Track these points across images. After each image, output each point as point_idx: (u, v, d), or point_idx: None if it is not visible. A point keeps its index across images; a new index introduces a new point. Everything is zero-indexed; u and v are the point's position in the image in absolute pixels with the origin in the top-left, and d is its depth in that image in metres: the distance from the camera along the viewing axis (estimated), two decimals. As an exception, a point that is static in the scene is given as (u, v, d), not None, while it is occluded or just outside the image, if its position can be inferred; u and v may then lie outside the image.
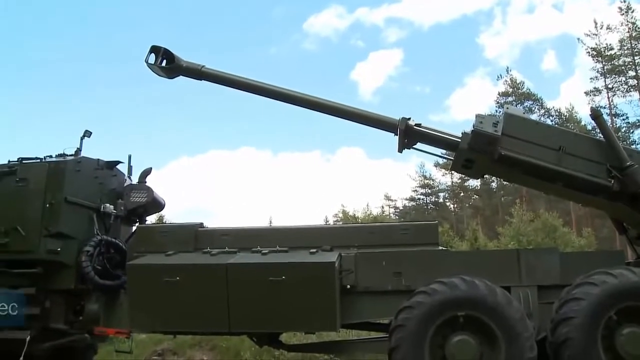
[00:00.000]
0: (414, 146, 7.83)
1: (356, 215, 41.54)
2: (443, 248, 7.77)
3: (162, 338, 11.55)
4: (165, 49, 8.19)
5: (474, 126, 7.06)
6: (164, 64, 8.27)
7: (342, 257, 6.81)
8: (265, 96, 8.31)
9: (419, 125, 7.63)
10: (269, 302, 6.45)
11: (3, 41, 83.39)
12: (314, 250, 6.88)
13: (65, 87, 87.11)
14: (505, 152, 7.07)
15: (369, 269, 6.80)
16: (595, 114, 7.72)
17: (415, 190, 61.04)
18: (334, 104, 8.08)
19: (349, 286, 6.70)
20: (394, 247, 7.08)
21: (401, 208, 62.19)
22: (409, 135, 7.61)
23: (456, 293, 6.05)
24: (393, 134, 7.77)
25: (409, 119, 7.59)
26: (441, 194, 61.65)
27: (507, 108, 7.90)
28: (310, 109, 8.18)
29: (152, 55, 8.24)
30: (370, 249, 7.03)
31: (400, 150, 7.89)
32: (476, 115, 7.12)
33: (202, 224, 7.81)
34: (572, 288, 6.18)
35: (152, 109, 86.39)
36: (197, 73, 8.35)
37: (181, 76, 8.52)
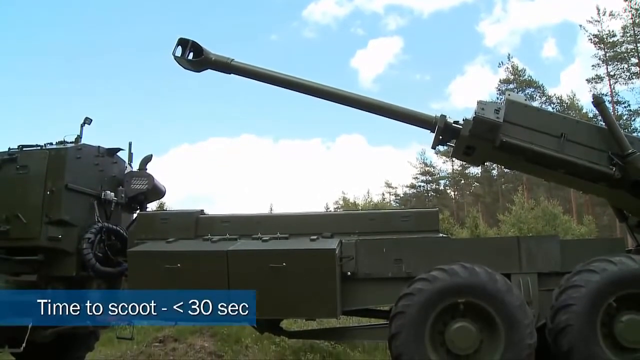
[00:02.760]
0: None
1: (357, 203, 41.56)
2: (444, 235, 7.75)
3: (163, 325, 11.59)
4: (193, 41, 7.96)
5: (475, 113, 7.04)
6: (191, 56, 8.05)
7: (343, 243, 6.80)
8: (297, 91, 8.15)
9: (457, 122, 7.57)
10: (270, 288, 6.44)
11: (7, 30, 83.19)
12: (315, 237, 6.88)
13: (67, 75, 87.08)
14: (507, 139, 7.04)
15: (370, 255, 6.79)
16: (597, 101, 7.70)
17: (416, 178, 60.95)
18: (370, 100, 7.98)
19: (349, 273, 6.70)
20: (395, 234, 7.07)
21: (402, 195, 62.18)
22: (446, 133, 7.57)
23: (456, 280, 6.05)
24: (429, 131, 7.72)
25: (447, 116, 7.56)
26: (442, 182, 61.66)
27: (509, 95, 7.88)
28: (344, 104, 8.08)
29: (179, 48, 8.02)
30: (371, 236, 7.01)
31: (434, 147, 7.96)
32: (478, 102, 7.10)
33: (202, 210, 7.80)
34: (572, 275, 6.18)
35: (153, 97, 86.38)
36: (226, 67, 8.13)
37: (209, 70, 8.28)
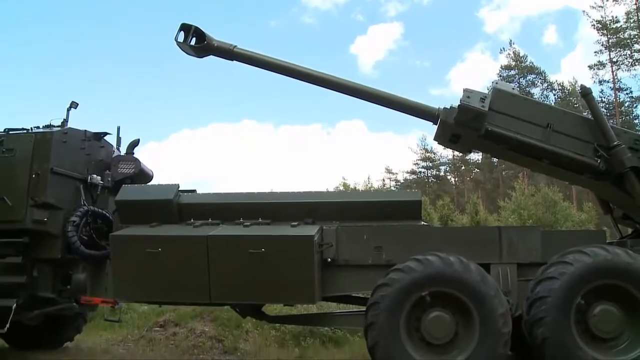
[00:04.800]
0: None
1: (357, 188, 41.47)
2: (425, 223, 7.75)
3: (164, 310, 11.67)
4: (196, 27, 7.90)
5: (460, 100, 7.01)
6: (193, 42, 7.97)
7: (324, 230, 6.82)
8: (300, 79, 8.08)
9: None
10: (249, 274, 6.49)
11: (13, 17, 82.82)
12: (296, 223, 6.88)
13: (67, 61, 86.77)
14: (492, 127, 7.01)
15: (350, 242, 6.81)
16: (585, 92, 7.60)
17: (417, 164, 60.96)
18: (373, 90, 7.91)
19: (329, 259, 6.72)
20: (377, 220, 7.04)
21: (402, 181, 62.16)
22: None
23: (429, 270, 6.05)
24: (432, 123, 7.72)
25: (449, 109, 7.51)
26: (442, 167, 61.60)
27: (497, 83, 7.83)
28: (347, 93, 8.04)
29: (182, 34, 7.95)
30: (352, 222, 7.01)
31: (436, 139, 7.92)
32: (464, 90, 7.07)
33: (194, 190, 7.85)
34: (546, 267, 6.20)
35: (154, 82, 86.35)
36: (229, 53, 8.06)
37: (211, 56, 8.22)
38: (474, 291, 5.94)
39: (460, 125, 7.20)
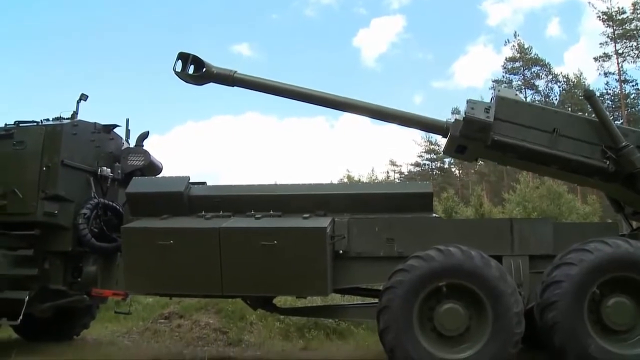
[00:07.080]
0: None
1: (361, 180, 41.52)
2: (437, 215, 7.72)
3: (168, 302, 11.67)
4: (193, 55, 7.82)
5: (465, 113, 6.95)
6: (191, 70, 7.89)
7: (335, 222, 6.81)
8: (302, 100, 8.03)
9: None
10: (261, 266, 6.49)
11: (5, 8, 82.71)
12: (307, 215, 6.88)
13: (73, 54, 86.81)
14: (498, 137, 6.94)
15: (362, 234, 6.80)
16: (588, 95, 7.49)
17: (421, 156, 60.98)
18: (382, 109, 7.87)
19: (341, 251, 6.72)
20: (388, 213, 7.03)
21: (406, 173, 62.14)
22: None
23: (450, 261, 6.03)
24: (441, 136, 7.70)
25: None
26: (446, 160, 61.39)
27: (499, 90, 7.67)
28: (353, 112, 8.06)
29: (180, 63, 7.86)
30: (364, 214, 7.00)
31: (445, 152, 7.89)
32: (467, 101, 7.00)
33: (204, 183, 7.85)
34: (566, 253, 6.15)
35: (157, 75, 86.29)
36: (229, 80, 7.98)
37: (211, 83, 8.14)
38: (492, 287, 5.92)
39: (467, 137, 7.15)
